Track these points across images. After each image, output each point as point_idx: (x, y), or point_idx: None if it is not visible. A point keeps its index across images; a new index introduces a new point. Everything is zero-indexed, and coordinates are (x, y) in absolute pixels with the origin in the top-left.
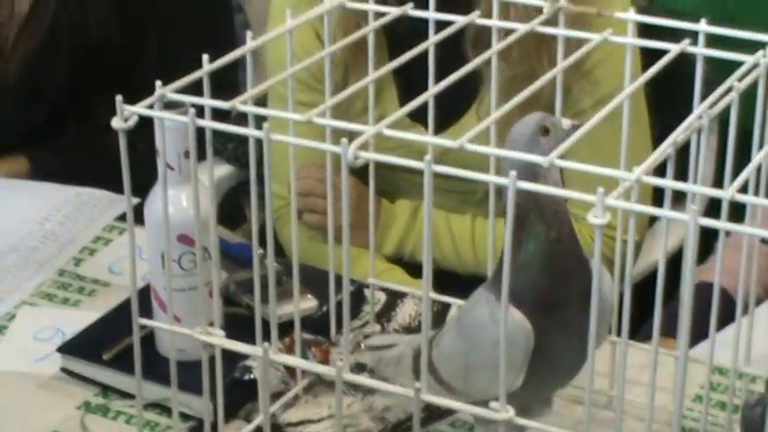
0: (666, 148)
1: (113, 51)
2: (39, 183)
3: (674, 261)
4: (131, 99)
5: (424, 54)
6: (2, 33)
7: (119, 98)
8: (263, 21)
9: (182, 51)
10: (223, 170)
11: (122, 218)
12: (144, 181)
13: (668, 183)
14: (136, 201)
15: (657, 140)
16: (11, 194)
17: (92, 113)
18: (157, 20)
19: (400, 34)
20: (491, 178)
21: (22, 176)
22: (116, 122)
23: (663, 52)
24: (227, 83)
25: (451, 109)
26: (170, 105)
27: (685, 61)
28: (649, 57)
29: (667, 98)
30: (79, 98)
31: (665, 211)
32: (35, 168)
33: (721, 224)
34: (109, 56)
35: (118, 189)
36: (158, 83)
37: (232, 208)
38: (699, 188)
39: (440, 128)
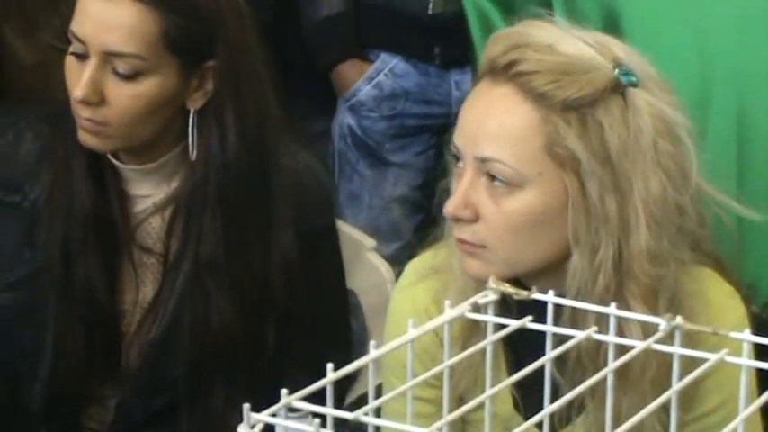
0: None
1: (231, 341)
2: None
3: None
4: (247, 389)
5: (537, 344)
6: (126, 320)
7: (246, 406)
8: (378, 312)
9: (299, 342)
10: None
11: None
12: None
13: None
14: None
15: None
16: None
17: (207, 402)
18: (275, 310)
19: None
20: None
21: None
22: (243, 429)
23: None
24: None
25: (561, 411)
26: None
27: None
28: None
29: None
30: (195, 387)
31: None
32: None
33: None
34: (226, 346)
35: None
36: (284, 391)
37: None
38: None
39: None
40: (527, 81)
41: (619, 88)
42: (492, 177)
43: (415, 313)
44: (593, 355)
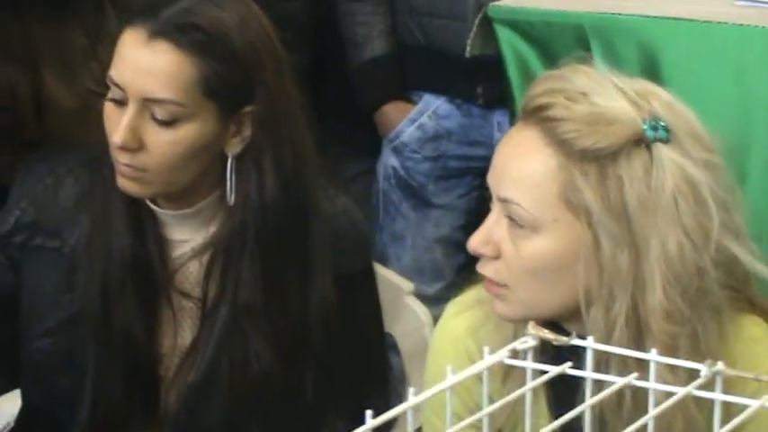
0: None
1: (269, 386)
2: None
3: None
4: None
5: (574, 384)
6: (164, 364)
7: None
8: (416, 356)
9: (337, 387)
10: None
11: None
12: None
13: None
14: None
15: None
16: None
17: None
18: (313, 354)
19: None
20: None
21: None
22: None
23: None
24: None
25: None
26: None
27: None
28: None
29: None
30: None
31: None
32: None
33: None
34: (265, 390)
35: None
36: None
37: None
38: None
39: None
40: (553, 127)
41: (644, 142)
42: (512, 218)
43: (455, 353)
44: (613, 407)
